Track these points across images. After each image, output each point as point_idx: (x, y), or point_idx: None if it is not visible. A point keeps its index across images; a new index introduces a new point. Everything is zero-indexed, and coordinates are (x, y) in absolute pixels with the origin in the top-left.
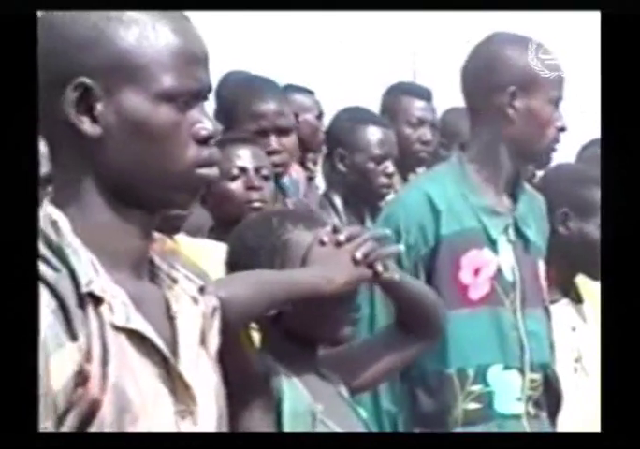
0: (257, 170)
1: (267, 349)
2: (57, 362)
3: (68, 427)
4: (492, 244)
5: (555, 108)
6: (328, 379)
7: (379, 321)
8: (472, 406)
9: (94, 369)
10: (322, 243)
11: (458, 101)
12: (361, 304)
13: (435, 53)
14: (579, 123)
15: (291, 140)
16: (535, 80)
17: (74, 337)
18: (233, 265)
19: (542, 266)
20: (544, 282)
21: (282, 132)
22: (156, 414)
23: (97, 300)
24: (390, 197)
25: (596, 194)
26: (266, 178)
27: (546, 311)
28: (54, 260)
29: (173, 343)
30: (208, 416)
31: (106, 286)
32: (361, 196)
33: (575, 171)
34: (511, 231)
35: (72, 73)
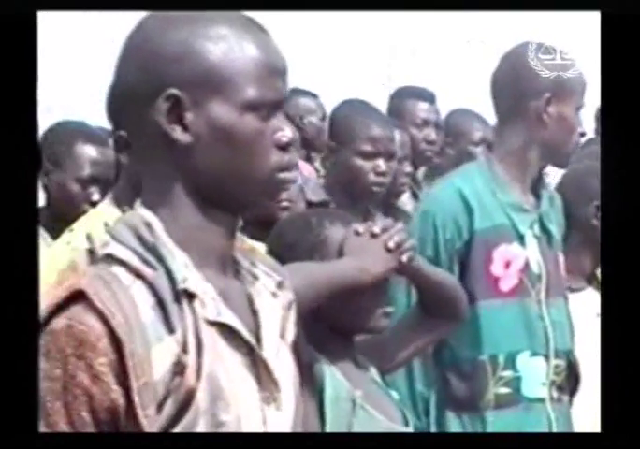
0: None
1: (307, 340)
2: (157, 354)
3: (166, 413)
4: (520, 239)
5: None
6: (363, 365)
7: None
8: (503, 390)
9: (190, 359)
10: (357, 233)
11: (458, 101)
12: (397, 295)
13: (435, 53)
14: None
15: (393, 165)
16: (567, 89)
17: (172, 330)
18: None
19: (561, 258)
20: (564, 274)
21: (390, 156)
22: (245, 401)
23: (191, 296)
24: (423, 194)
25: None
26: None
27: (566, 300)
28: (151, 259)
29: (257, 335)
30: (288, 403)
31: (197, 283)
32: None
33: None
34: (536, 227)
35: (163, 85)
